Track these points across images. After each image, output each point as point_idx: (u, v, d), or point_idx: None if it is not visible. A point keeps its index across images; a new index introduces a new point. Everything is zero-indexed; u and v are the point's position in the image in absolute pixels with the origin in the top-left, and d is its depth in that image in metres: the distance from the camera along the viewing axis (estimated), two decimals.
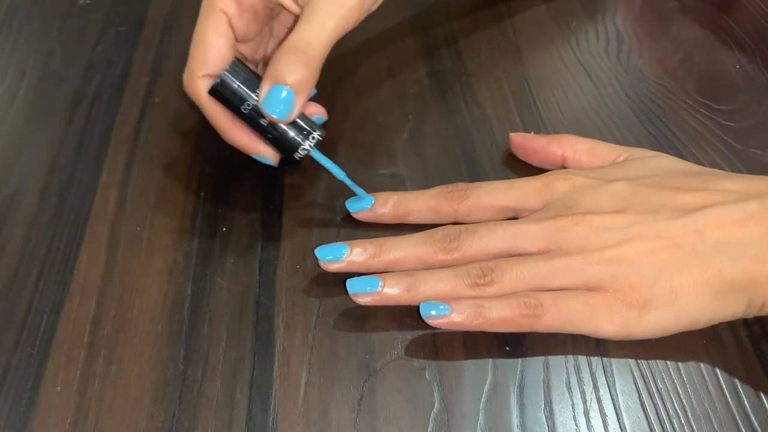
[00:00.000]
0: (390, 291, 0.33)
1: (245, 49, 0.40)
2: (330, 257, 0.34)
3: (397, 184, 0.39)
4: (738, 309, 0.31)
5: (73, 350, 0.32)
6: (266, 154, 0.37)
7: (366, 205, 0.37)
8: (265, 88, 0.35)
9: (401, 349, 0.32)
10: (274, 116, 0.34)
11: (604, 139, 0.41)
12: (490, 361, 0.32)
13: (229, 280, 0.35)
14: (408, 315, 0.33)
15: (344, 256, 0.34)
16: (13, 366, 0.32)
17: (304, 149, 0.36)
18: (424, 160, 0.41)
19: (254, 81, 0.36)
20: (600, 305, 0.31)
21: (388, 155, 0.41)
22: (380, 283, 0.33)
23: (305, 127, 0.36)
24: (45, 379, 0.32)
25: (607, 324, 0.31)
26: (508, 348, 0.32)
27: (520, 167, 0.40)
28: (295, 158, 0.37)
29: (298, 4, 0.37)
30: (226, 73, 0.36)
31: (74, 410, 0.30)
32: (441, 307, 0.32)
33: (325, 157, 0.37)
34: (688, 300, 0.31)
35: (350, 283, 0.34)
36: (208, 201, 0.39)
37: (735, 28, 0.49)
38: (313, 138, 0.36)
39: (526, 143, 0.40)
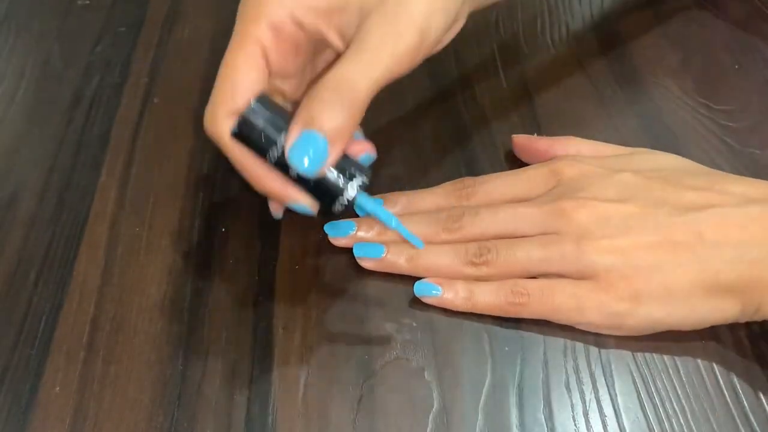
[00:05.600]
0: (392, 258, 0.34)
1: (286, 87, 0.34)
2: (338, 233, 0.36)
3: (397, 184, 0.39)
4: (731, 313, 0.31)
5: (72, 351, 0.33)
6: (304, 201, 0.32)
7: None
8: (294, 133, 0.29)
9: (400, 349, 0.32)
10: (301, 168, 0.29)
11: (603, 140, 0.41)
12: (489, 361, 0.32)
13: (229, 280, 0.35)
14: (407, 315, 0.34)
15: (351, 233, 0.36)
16: (12, 366, 0.32)
17: (347, 198, 0.31)
18: (424, 160, 0.41)
19: (285, 120, 0.30)
20: (589, 296, 0.31)
21: (388, 155, 0.41)
22: (384, 250, 0.34)
23: (347, 170, 0.31)
24: (44, 379, 0.32)
25: (596, 315, 0.31)
26: (507, 348, 0.32)
27: (520, 167, 0.40)
28: (335, 209, 0.31)
29: (344, 39, 0.32)
30: (250, 111, 0.30)
31: (73, 411, 0.31)
32: (434, 286, 0.33)
33: (375, 202, 0.32)
34: (681, 299, 0.31)
35: (357, 247, 0.35)
36: (207, 201, 0.39)
37: (735, 28, 0.49)
38: (361, 185, 0.31)
39: (529, 145, 0.39)
